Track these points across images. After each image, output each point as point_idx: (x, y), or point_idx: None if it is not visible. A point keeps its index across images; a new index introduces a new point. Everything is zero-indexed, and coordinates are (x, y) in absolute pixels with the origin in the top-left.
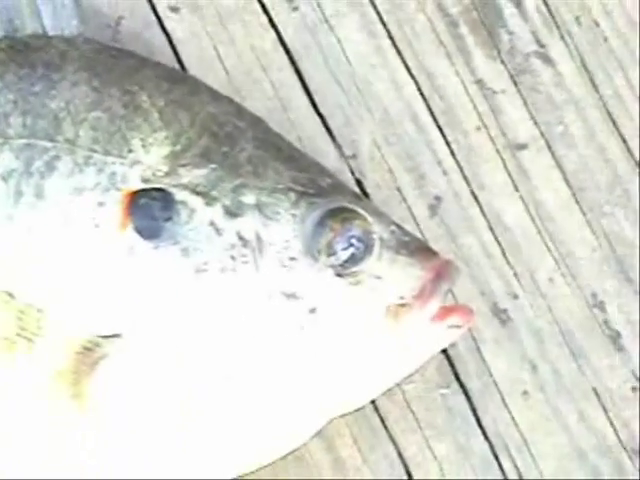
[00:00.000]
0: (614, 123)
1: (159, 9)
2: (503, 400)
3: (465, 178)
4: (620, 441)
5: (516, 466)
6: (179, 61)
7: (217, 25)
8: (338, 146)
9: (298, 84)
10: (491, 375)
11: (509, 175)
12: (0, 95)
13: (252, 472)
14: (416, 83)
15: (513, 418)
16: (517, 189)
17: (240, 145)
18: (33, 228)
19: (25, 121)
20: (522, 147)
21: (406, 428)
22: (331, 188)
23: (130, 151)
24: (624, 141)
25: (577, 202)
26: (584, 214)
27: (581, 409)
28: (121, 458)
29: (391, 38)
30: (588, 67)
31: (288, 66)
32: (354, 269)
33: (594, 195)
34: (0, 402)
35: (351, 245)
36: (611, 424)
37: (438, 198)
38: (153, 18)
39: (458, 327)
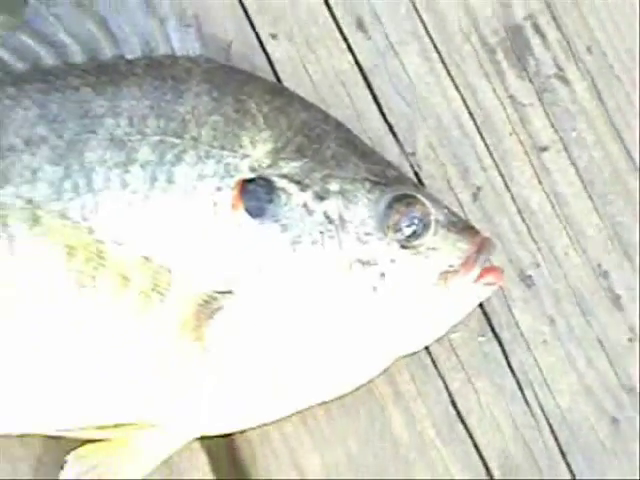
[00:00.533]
0: (617, 131)
1: (262, 36)
2: (528, 347)
3: (500, 173)
4: (619, 381)
5: (537, 399)
6: (277, 77)
7: (306, 49)
8: (401, 145)
9: (370, 97)
10: (519, 327)
11: (534, 171)
12: (139, 102)
13: (337, 398)
14: (462, 98)
15: (536, 361)
16: (540, 182)
17: (326, 144)
18: (165, 206)
19: (159, 122)
20: (544, 149)
21: (452, 368)
22: (397, 179)
23: (241, 147)
24: (624, 145)
25: (587, 192)
26: (593, 202)
27: (589, 355)
28: (234, 390)
29: (443, 62)
30: (597, 87)
31: (362, 83)
32: (415, 242)
33: (601, 187)
34: (137, 343)
35: (413, 224)
36: (612, 367)
37: (479, 188)
38: (256, 42)
39: (493, 284)
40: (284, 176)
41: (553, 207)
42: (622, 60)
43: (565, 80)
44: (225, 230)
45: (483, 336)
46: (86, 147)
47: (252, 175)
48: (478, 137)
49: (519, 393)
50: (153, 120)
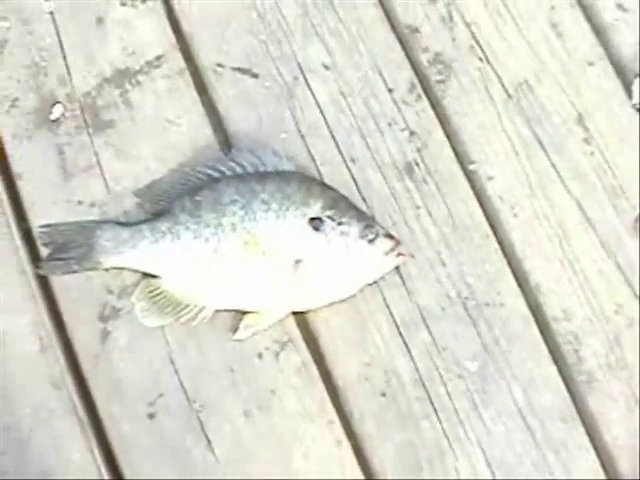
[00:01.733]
0: (447, 206)
1: (318, 162)
2: (410, 275)
3: (399, 221)
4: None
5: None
6: (320, 175)
7: (330, 174)
8: (368, 206)
9: (357, 192)
10: (407, 269)
11: (414, 214)
12: (272, 187)
13: (345, 298)
14: (391, 189)
15: (418, 275)
16: (416, 221)
17: (341, 203)
18: (281, 227)
19: (281, 194)
20: (419, 207)
21: (386, 286)
22: (367, 217)
23: (310, 205)
24: (448, 208)
25: (436, 226)
26: (438, 228)
27: (435, 265)
28: (304, 293)
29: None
30: (438, 185)
31: (355, 188)
32: (375, 242)
33: (440, 222)
34: (269, 276)
35: (372, 234)
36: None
37: (395, 222)
38: (312, 164)
39: (403, 257)
40: (327, 216)
41: (422, 231)
42: (445, 176)
43: (427, 182)
44: (303, 236)
45: (393, 274)
46: (253, 203)
47: (314, 215)
48: (391, 208)
49: (404, 289)
50: (277, 194)
